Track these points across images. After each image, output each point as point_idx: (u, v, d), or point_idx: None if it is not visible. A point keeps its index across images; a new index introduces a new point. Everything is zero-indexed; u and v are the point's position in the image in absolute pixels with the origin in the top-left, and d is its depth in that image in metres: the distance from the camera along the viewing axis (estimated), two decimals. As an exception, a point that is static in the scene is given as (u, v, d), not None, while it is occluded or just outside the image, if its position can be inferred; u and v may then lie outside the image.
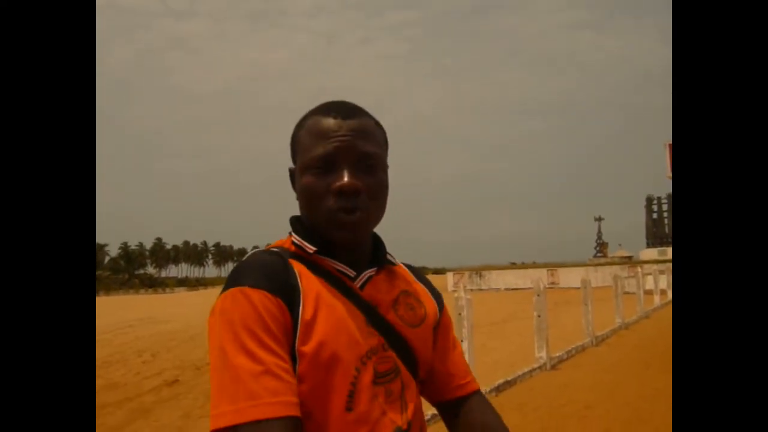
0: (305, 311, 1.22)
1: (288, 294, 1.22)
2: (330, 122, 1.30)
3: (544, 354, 11.02)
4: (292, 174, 1.37)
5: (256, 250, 1.35)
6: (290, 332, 1.19)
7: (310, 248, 1.31)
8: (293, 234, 1.36)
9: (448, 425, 1.58)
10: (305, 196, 1.31)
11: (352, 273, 1.34)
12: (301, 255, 1.33)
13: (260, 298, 1.17)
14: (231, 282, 1.22)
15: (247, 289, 1.18)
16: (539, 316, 11.14)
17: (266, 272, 1.22)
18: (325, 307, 1.25)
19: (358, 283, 1.35)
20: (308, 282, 1.27)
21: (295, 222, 1.39)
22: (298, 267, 1.29)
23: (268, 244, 1.43)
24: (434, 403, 1.59)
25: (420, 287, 1.54)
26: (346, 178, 1.27)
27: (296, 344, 1.19)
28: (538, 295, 11.27)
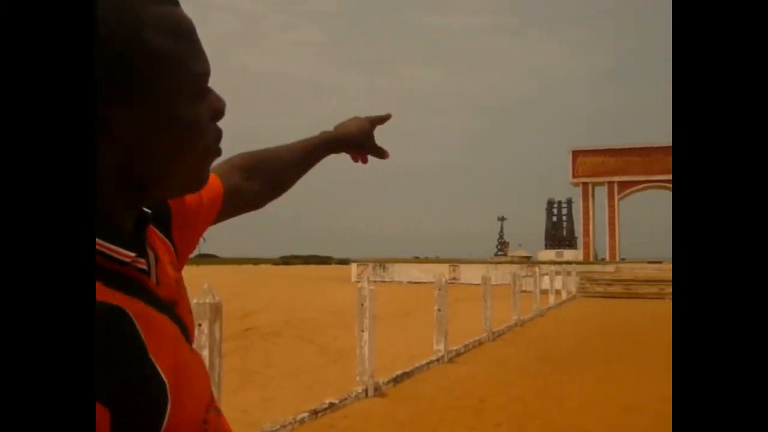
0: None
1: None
2: (184, 16, 0.81)
3: (442, 347, 11.23)
4: (109, 117, 0.79)
5: None
6: None
7: (128, 255, 0.78)
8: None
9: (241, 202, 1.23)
10: (182, 137, 0.80)
11: (143, 263, 0.80)
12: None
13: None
14: None
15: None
16: (439, 310, 11.33)
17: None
18: (162, 359, 0.76)
19: (153, 279, 0.83)
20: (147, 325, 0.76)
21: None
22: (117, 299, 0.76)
23: None
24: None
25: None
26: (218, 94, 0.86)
27: None
28: (439, 290, 11.47)
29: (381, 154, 1.45)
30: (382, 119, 1.47)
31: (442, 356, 11.19)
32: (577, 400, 8.34)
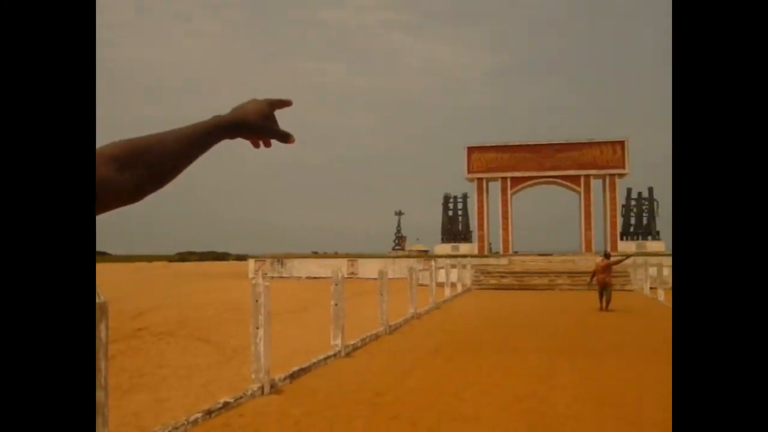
0: None
1: None
2: None
3: (339, 342, 11.22)
4: None
5: None
6: None
7: None
8: None
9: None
10: None
11: None
12: None
13: None
14: None
15: None
16: (336, 305, 11.32)
17: None
18: None
19: None
20: None
21: None
22: None
23: None
24: None
25: None
26: None
27: None
28: (336, 285, 11.45)
29: (285, 137, 1.35)
30: (283, 103, 1.38)
31: (340, 351, 11.18)
32: (471, 390, 8.52)
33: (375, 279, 16.25)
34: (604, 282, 20.57)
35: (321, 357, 10.52)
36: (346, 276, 46.76)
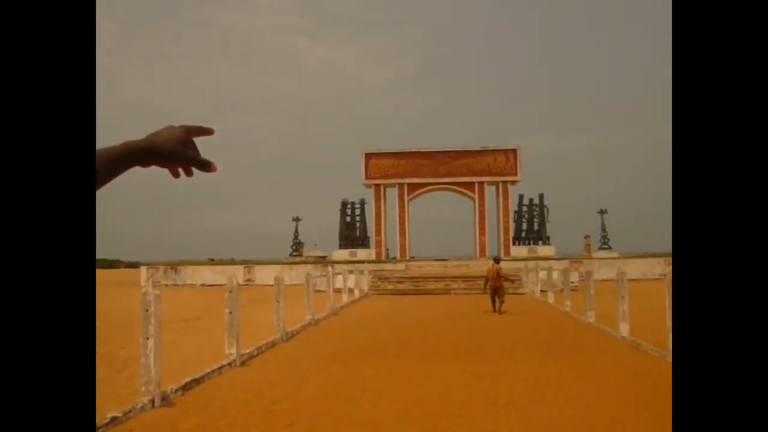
0: None
1: None
2: None
3: (234, 351, 11.01)
4: None
5: None
6: None
7: None
8: None
9: None
10: None
11: None
12: None
13: None
14: None
15: None
16: (231, 312, 11.11)
17: None
18: None
19: None
20: None
21: None
22: None
23: None
24: None
25: None
26: None
27: None
28: (230, 292, 11.24)
29: (204, 166, 1.26)
30: (202, 130, 1.29)
31: (234, 360, 10.97)
32: (368, 395, 8.55)
33: (272, 285, 16.05)
34: (496, 287, 21.47)
35: (215, 367, 10.29)
36: (242, 283, 46.00)
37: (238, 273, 46.07)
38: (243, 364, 11.21)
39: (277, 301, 14.55)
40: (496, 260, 23.47)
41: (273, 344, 13.65)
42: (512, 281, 23.23)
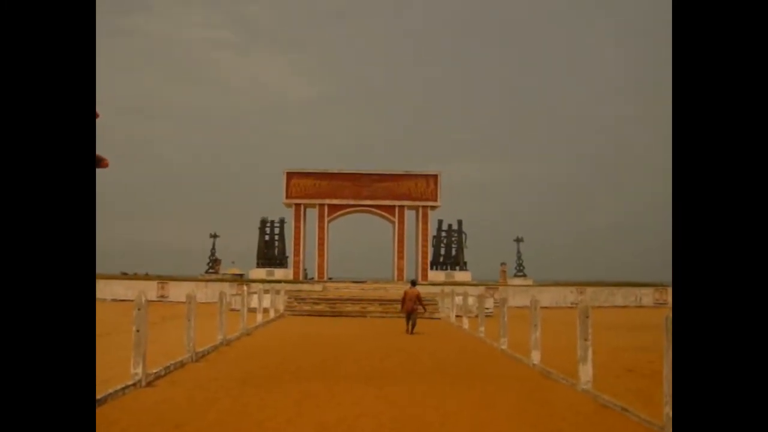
0: None
1: None
2: None
3: (140, 370, 10.59)
4: None
5: None
6: None
7: None
8: None
9: None
10: None
11: None
12: None
13: None
14: None
15: None
16: (138, 330, 10.69)
17: None
18: None
19: None
20: None
21: None
22: None
23: None
24: None
25: None
26: None
27: None
28: (139, 309, 10.81)
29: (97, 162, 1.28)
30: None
31: (140, 380, 10.55)
32: (276, 420, 8.34)
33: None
34: (412, 309, 22.88)
35: (119, 387, 9.86)
36: (156, 299, 44.59)
37: (152, 289, 44.73)
38: (149, 384, 10.79)
39: (188, 320, 14.11)
40: (413, 283, 24.86)
41: (182, 364, 13.21)
42: (424, 309, 24.28)
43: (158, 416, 8.52)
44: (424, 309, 24.39)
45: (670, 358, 7.59)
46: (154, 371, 11.46)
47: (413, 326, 22.58)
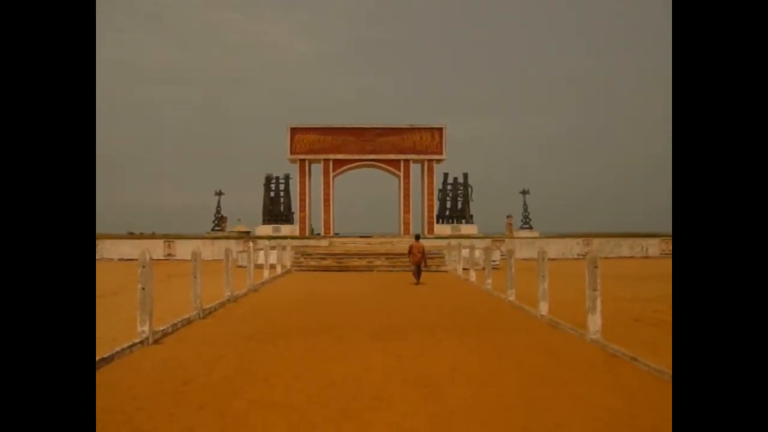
0: None
1: None
2: None
3: (147, 328, 10.58)
4: None
5: None
6: None
7: None
8: None
9: None
10: None
11: None
12: None
13: None
14: None
15: None
16: (143, 288, 10.64)
17: None
18: None
19: None
20: None
21: None
22: None
23: None
24: None
25: None
26: None
27: None
28: (144, 267, 10.74)
29: None
30: None
31: (147, 338, 10.54)
32: (283, 376, 8.32)
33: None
34: (419, 260, 24.71)
35: (125, 345, 9.85)
36: (162, 258, 44.81)
37: (158, 247, 44.94)
38: (156, 342, 10.79)
39: (194, 277, 14.09)
40: (417, 237, 27.33)
41: (189, 321, 13.22)
42: (426, 264, 25.73)
43: (166, 373, 8.51)
44: (426, 264, 25.71)
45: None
46: (161, 328, 11.47)
47: (419, 275, 24.67)
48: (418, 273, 24.81)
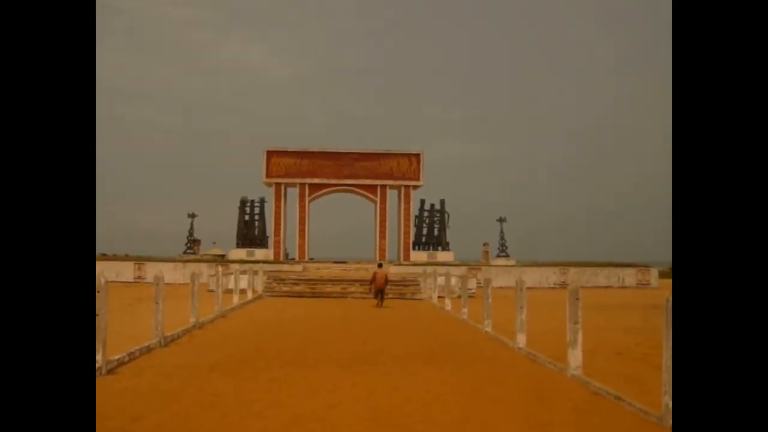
0: None
1: None
2: None
3: (100, 357, 9.86)
4: None
5: None
6: None
7: None
8: None
9: None
10: None
11: None
12: None
13: None
14: None
15: None
16: (97, 314, 9.93)
17: None
18: None
19: None
20: None
21: None
22: None
23: None
24: None
25: None
26: None
27: None
28: (99, 292, 10.03)
29: None
30: None
31: (100, 367, 9.83)
32: (243, 412, 7.68)
33: (165, 283, 14.79)
34: (382, 286, 26.48)
35: (75, 375, 9.11)
36: (133, 280, 43.81)
37: (129, 269, 43.88)
38: (110, 372, 10.07)
39: (156, 303, 13.36)
40: (380, 265, 30.53)
41: (148, 350, 12.47)
42: (385, 293, 27.12)
43: (116, 407, 7.83)
44: (384, 293, 27.14)
45: (670, 345, 7.02)
46: (117, 357, 10.74)
47: (382, 300, 26.32)
48: (381, 296, 26.43)
